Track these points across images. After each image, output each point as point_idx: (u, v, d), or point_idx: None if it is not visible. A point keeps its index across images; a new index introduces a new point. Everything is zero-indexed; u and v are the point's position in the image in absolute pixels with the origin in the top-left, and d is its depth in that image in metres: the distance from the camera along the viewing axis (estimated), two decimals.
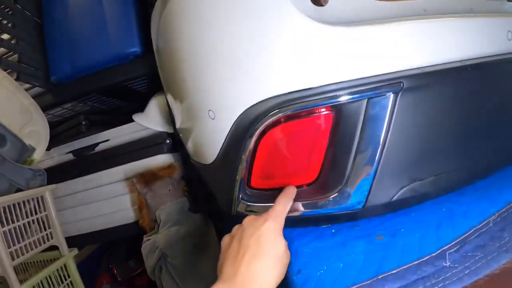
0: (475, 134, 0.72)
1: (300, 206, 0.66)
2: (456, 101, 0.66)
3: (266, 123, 0.60)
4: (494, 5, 0.82)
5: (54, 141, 1.38)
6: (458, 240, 0.57)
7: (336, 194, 0.64)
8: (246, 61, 0.59)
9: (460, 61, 0.64)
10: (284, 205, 0.62)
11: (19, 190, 1.19)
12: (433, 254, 0.55)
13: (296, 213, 0.67)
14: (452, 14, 0.69)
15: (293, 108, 0.57)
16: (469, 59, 0.65)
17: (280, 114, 0.58)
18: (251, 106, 0.60)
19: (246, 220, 0.61)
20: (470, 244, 0.55)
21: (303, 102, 0.57)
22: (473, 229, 0.58)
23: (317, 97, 0.56)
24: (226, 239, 0.62)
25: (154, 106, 1.30)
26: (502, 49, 0.72)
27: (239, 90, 0.61)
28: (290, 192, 0.64)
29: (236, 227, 0.62)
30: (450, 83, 0.64)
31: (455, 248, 0.55)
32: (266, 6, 0.56)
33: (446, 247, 0.56)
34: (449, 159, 0.69)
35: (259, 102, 0.59)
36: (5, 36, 1.24)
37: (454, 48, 0.64)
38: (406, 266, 0.55)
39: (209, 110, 0.65)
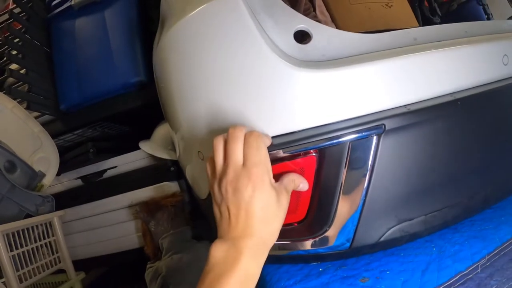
0: (467, 169, 0.71)
1: (289, 246, 0.67)
2: (445, 137, 0.66)
3: None
4: (490, 25, 0.83)
5: (64, 167, 1.42)
6: (442, 287, 0.56)
7: (323, 234, 0.64)
8: (231, 106, 0.60)
9: (450, 94, 0.64)
10: (257, 150, 0.52)
11: (28, 215, 1.24)
12: None
13: (285, 252, 0.68)
14: (442, 42, 0.69)
15: (276, 153, 0.58)
16: (461, 91, 0.65)
17: None
18: None
19: (234, 170, 0.52)
20: None
21: (286, 147, 0.57)
22: (460, 275, 0.58)
23: (299, 143, 0.57)
24: (214, 183, 0.55)
25: (159, 134, 1.31)
26: (497, 75, 0.72)
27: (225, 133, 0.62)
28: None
29: (223, 169, 0.54)
30: (438, 119, 0.63)
31: None
32: (248, 51, 0.58)
33: None
34: (440, 197, 0.68)
35: None
36: (15, 67, 1.30)
37: (444, 81, 0.65)
38: None
39: (198, 152, 0.67)
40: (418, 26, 0.98)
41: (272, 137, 0.58)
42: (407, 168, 0.62)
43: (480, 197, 0.74)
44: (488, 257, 0.62)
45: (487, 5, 1.58)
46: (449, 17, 1.50)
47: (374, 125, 0.57)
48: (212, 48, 0.60)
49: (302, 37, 0.63)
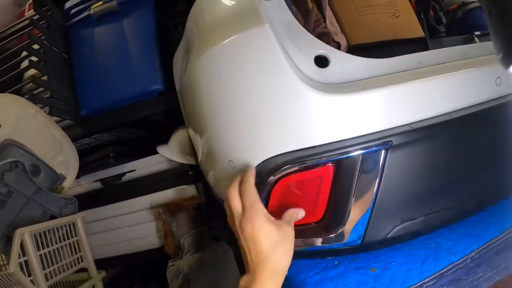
0: (463, 177, 0.81)
1: (308, 242, 0.77)
2: (443, 151, 0.76)
3: (279, 174, 0.70)
4: (488, 47, 0.90)
5: (83, 170, 1.48)
6: (437, 274, 0.67)
7: (338, 232, 0.74)
8: (260, 123, 0.70)
9: (448, 113, 0.74)
10: (249, 194, 0.64)
11: (52, 216, 1.30)
12: (413, 286, 0.65)
13: (305, 247, 0.77)
14: (442, 66, 0.78)
15: (300, 164, 0.68)
16: (457, 110, 0.75)
17: (290, 169, 0.69)
18: (266, 159, 0.71)
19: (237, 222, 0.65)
20: (447, 278, 0.65)
21: (308, 159, 0.68)
22: (452, 265, 0.68)
23: (320, 156, 0.67)
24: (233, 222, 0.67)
25: (177, 139, 1.39)
26: (491, 95, 0.81)
27: (256, 146, 0.72)
28: (246, 180, 0.67)
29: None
30: (436, 136, 0.74)
31: (432, 282, 0.65)
32: (274, 77, 0.68)
33: (426, 280, 0.66)
34: (438, 201, 0.78)
35: (272, 157, 0.70)
36: (33, 72, 1.37)
37: (443, 102, 0.74)
38: None
39: (229, 161, 0.76)
40: (424, 36, 1.05)
41: (296, 150, 0.68)
42: (410, 177, 0.73)
43: (473, 201, 0.85)
44: (478, 250, 0.72)
45: None
46: (454, 25, 1.52)
47: (383, 141, 0.67)
48: (244, 72, 0.70)
49: (321, 61, 0.73)
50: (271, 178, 0.71)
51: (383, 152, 0.68)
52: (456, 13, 1.58)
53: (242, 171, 0.73)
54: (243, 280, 0.62)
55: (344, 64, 0.74)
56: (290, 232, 0.65)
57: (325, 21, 1.00)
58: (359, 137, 0.67)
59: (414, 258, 0.73)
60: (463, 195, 0.82)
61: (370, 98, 0.68)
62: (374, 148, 0.67)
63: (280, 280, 0.62)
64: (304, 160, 0.67)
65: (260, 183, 0.72)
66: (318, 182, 0.71)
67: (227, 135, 0.76)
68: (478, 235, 0.79)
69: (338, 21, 1.03)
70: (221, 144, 0.79)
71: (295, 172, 0.70)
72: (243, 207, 0.64)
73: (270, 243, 0.61)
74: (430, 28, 1.34)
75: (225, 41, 0.71)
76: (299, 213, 0.69)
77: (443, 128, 0.73)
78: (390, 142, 0.67)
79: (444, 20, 1.45)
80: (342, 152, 0.67)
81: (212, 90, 0.76)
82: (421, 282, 0.65)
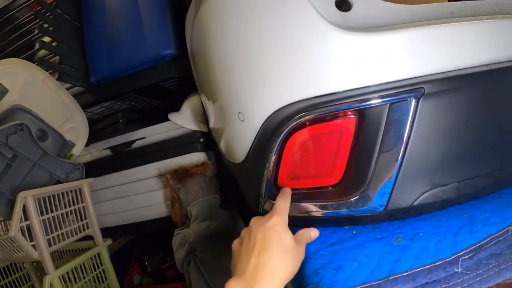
0: (502, 140, 0.72)
1: (323, 207, 0.69)
2: (480, 106, 0.66)
3: (292, 125, 0.63)
4: None
5: (93, 138, 1.46)
6: (474, 247, 0.58)
7: (359, 196, 0.66)
8: (274, 67, 0.62)
9: (486, 65, 0.65)
10: (284, 203, 0.66)
11: (58, 182, 1.28)
12: (447, 260, 0.56)
13: (319, 213, 0.70)
14: (479, 17, 0.69)
15: (317, 112, 0.60)
16: (496, 63, 0.66)
17: (305, 118, 0.61)
18: (278, 109, 0.63)
19: (253, 221, 0.65)
20: (486, 252, 0.56)
21: (327, 106, 0.60)
22: (491, 237, 0.59)
23: (340, 102, 0.59)
24: (235, 242, 0.66)
25: (188, 106, 1.35)
26: None
27: (267, 94, 0.64)
28: (286, 192, 0.69)
29: (244, 229, 0.66)
30: (475, 87, 0.65)
31: (469, 255, 0.56)
32: (293, 14, 0.60)
33: (461, 253, 0.57)
34: (474, 165, 0.69)
35: (285, 106, 0.62)
36: (47, 39, 1.32)
37: (480, 52, 0.65)
38: (418, 269, 0.56)
39: (239, 113, 0.69)
40: None
41: (315, 97, 0.60)
42: (442, 132, 0.63)
43: (510, 170, 0.75)
44: None
45: None
46: None
47: (414, 88, 0.59)
48: (259, 12, 0.62)
49: (342, 4, 0.65)
50: (284, 129, 0.63)
51: (413, 101, 0.59)
52: None
53: (251, 123, 0.66)
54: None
55: (368, 7, 0.65)
56: (301, 251, 0.62)
57: None
58: (387, 83, 0.59)
59: (445, 229, 0.64)
60: (500, 161, 0.72)
61: (400, 40, 0.59)
62: (403, 96, 0.58)
63: None
64: (323, 106, 0.59)
65: (272, 137, 0.65)
66: (337, 137, 0.63)
67: (237, 83, 0.69)
68: None
69: None
70: (231, 94, 0.72)
71: (311, 124, 0.62)
72: (275, 208, 0.64)
73: (281, 249, 0.58)
74: None
75: None
76: (312, 233, 0.67)
77: (481, 79, 0.64)
78: (422, 90, 0.58)
79: None
80: (367, 99, 0.59)
81: (223, 34, 0.69)
82: (456, 255, 0.56)
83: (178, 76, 1.31)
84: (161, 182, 1.42)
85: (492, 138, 0.70)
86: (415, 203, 0.66)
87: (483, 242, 0.59)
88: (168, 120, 1.38)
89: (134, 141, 1.46)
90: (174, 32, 1.28)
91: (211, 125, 1.00)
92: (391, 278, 0.55)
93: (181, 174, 1.29)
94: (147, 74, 1.33)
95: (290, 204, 0.68)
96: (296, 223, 0.70)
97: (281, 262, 0.57)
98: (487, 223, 0.64)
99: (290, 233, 0.61)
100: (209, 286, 1.17)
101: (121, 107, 1.61)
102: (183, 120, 1.34)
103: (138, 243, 2.07)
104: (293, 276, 0.58)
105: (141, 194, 1.47)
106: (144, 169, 1.44)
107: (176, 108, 1.39)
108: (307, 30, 0.59)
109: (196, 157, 1.36)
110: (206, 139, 1.36)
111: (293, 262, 0.58)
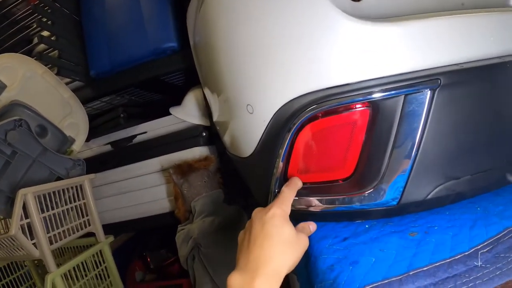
0: None
1: (334, 201, 0.67)
2: (495, 98, 0.65)
3: (304, 118, 0.61)
4: None
5: (93, 133, 1.44)
6: (491, 240, 0.56)
7: (371, 190, 0.64)
8: (285, 57, 0.60)
9: (499, 57, 0.63)
10: (288, 193, 0.65)
11: (59, 178, 1.26)
12: (465, 253, 0.55)
13: (330, 207, 0.68)
14: (490, 9, 0.68)
15: (330, 104, 0.58)
16: (509, 55, 0.64)
17: (317, 110, 0.59)
18: (289, 101, 0.61)
19: (254, 213, 0.64)
20: (503, 245, 0.55)
21: (340, 98, 0.58)
22: (508, 230, 0.58)
23: (354, 93, 0.57)
24: (241, 234, 0.65)
25: (190, 100, 1.33)
26: None
27: (278, 85, 0.62)
28: (294, 182, 0.67)
29: (248, 221, 0.65)
30: (489, 79, 0.63)
31: (487, 248, 0.55)
32: (304, 3, 0.58)
33: (479, 246, 0.55)
34: (488, 158, 0.68)
35: (297, 97, 0.60)
36: (45, 33, 1.31)
37: (493, 44, 0.64)
38: (438, 263, 0.54)
39: (248, 105, 0.67)
40: None
41: (328, 88, 0.58)
42: (457, 125, 0.62)
43: None
44: None
45: None
46: None
47: (430, 79, 0.57)
48: (269, 0, 0.60)
49: None
50: (296, 121, 0.61)
51: (429, 92, 0.57)
52: None
53: (261, 116, 0.64)
54: (235, 281, 0.55)
55: None
56: (302, 242, 0.61)
57: None
58: (402, 74, 0.57)
59: (460, 223, 0.63)
60: None
61: (415, 30, 0.57)
62: (419, 87, 0.57)
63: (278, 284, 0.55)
64: (336, 97, 0.57)
65: (283, 130, 0.63)
66: (350, 129, 0.61)
67: (246, 74, 0.66)
68: None
69: None
70: (238, 86, 0.70)
71: (323, 116, 0.60)
72: (277, 198, 0.64)
73: (281, 241, 0.58)
74: None
75: None
76: (310, 226, 0.67)
77: (495, 71, 0.63)
78: (439, 81, 0.57)
79: None
80: (382, 90, 0.57)
81: (227, 25, 0.67)
82: (474, 249, 0.55)
83: (179, 69, 1.29)
84: (164, 177, 1.40)
85: (505, 131, 0.68)
86: (429, 196, 0.64)
87: (500, 235, 0.57)
88: (170, 114, 1.36)
89: (135, 135, 1.45)
90: (175, 25, 1.27)
91: (215, 118, 0.98)
92: (411, 273, 0.54)
93: (184, 169, 1.28)
94: (148, 68, 1.31)
95: (300, 198, 0.67)
96: (305, 218, 0.69)
97: (281, 254, 0.56)
98: (503, 216, 0.63)
99: (290, 224, 0.60)
100: (213, 282, 1.17)
101: (121, 101, 1.59)
102: (185, 114, 1.32)
103: (140, 239, 2.06)
104: (294, 267, 0.58)
105: (143, 189, 1.45)
106: (146, 164, 1.43)
107: (178, 102, 1.38)
108: (319, 19, 0.57)
109: (199, 152, 1.35)
110: (209, 133, 1.34)
111: (294, 253, 0.58)
